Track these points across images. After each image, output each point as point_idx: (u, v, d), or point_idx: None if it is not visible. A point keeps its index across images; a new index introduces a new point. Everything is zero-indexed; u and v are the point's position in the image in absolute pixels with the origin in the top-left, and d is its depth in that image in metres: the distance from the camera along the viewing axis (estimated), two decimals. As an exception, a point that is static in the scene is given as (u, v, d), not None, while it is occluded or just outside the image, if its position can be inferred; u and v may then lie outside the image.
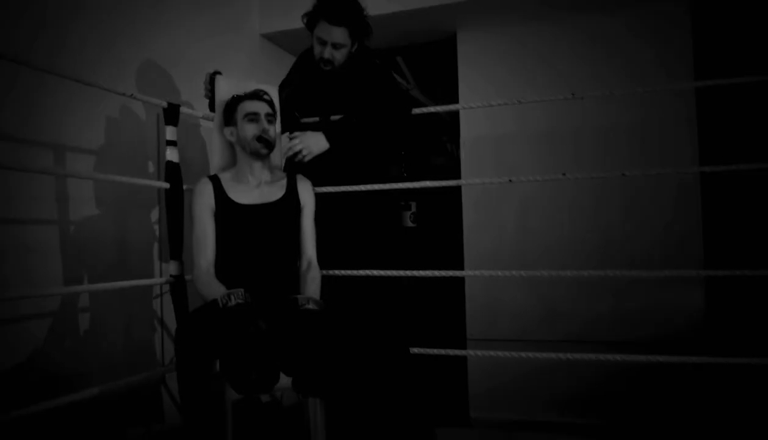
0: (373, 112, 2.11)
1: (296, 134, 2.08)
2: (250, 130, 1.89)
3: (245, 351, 1.52)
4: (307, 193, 1.97)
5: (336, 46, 2.07)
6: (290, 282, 1.88)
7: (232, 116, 1.94)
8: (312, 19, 2.08)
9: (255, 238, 1.85)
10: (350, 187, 2.11)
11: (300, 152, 2.05)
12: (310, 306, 1.68)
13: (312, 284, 1.84)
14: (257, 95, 1.94)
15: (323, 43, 2.08)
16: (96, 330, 2.18)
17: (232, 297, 1.59)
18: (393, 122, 2.14)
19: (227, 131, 1.96)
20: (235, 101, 1.95)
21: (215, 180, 1.90)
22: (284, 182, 1.96)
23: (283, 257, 1.90)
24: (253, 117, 1.90)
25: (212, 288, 1.70)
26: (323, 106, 2.19)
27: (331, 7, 2.04)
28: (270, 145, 1.90)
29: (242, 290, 1.62)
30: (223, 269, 1.81)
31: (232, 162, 2.05)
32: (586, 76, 2.92)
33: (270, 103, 1.95)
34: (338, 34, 2.05)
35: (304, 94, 2.25)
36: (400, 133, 2.18)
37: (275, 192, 1.92)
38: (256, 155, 1.90)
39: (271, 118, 1.93)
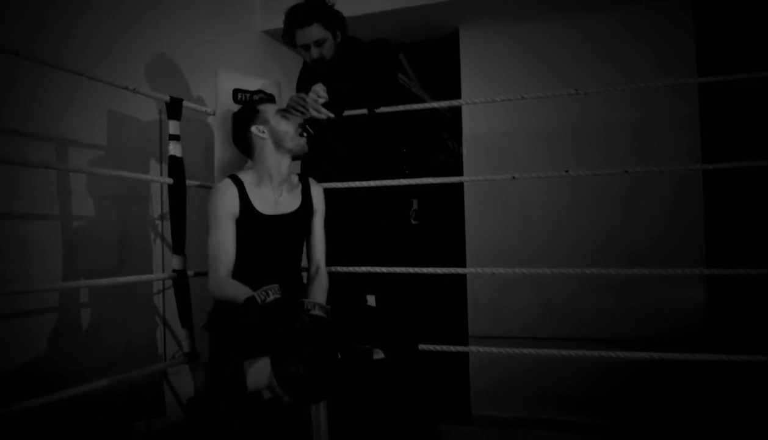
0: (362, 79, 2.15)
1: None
2: (287, 124, 1.89)
3: (293, 345, 1.53)
4: (319, 198, 1.98)
5: (318, 43, 2.15)
6: (299, 286, 1.91)
7: (256, 116, 1.89)
8: (288, 34, 2.19)
9: (272, 247, 1.85)
10: (351, 183, 2.12)
11: (312, 104, 2.02)
12: (316, 312, 1.67)
13: (319, 289, 1.85)
14: (274, 99, 1.97)
15: (307, 47, 2.17)
16: (98, 327, 2.18)
17: (270, 293, 1.59)
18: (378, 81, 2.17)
19: (255, 128, 1.87)
20: (253, 105, 1.93)
21: (239, 184, 1.83)
22: (300, 189, 1.95)
23: (294, 264, 1.94)
24: (285, 114, 1.92)
25: (238, 288, 1.67)
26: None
27: (296, 13, 2.14)
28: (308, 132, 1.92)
29: (277, 285, 1.62)
30: (236, 274, 1.78)
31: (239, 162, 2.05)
32: (588, 76, 2.92)
33: None
34: (313, 32, 2.13)
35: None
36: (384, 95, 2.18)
37: (293, 201, 1.91)
38: (292, 151, 1.90)
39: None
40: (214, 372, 1.64)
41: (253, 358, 1.58)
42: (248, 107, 1.95)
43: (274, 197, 1.87)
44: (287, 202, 1.90)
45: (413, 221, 4.09)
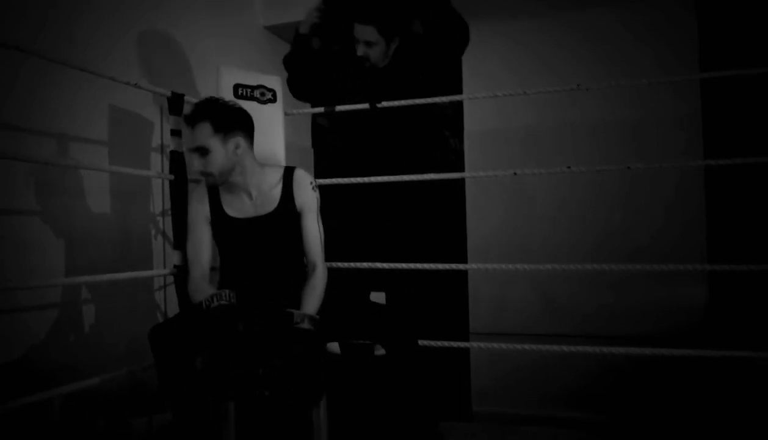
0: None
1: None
2: (193, 159, 1.73)
3: (220, 352, 1.53)
4: (304, 194, 1.80)
5: (367, 43, 2.09)
6: (292, 289, 1.76)
7: None
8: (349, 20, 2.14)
9: (251, 253, 1.78)
10: (355, 179, 2.12)
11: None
12: (305, 326, 1.59)
13: (312, 295, 1.71)
14: (187, 121, 1.75)
15: (357, 41, 2.11)
16: (99, 323, 2.18)
17: (215, 299, 1.58)
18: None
19: None
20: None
21: (212, 186, 1.79)
22: (280, 186, 1.80)
23: (282, 267, 1.80)
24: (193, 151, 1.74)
25: (203, 293, 1.66)
26: (372, 90, 2.18)
27: (357, 5, 2.07)
28: (209, 177, 1.74)
29: (228, 291, 1.60)
30: (224, 278, 1.78)
31: None
32: (588, 75, 2.92)
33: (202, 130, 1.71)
34: (367, 32, 2.07)
35: (351, 82, 2.24)
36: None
37: (270, 201, 1.79)
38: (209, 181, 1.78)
39: (203, 151, 1.70)
40: (160, 375, 1.61)
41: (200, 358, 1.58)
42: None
43: (249, 200, 1.79)
44: (263, 201, 1.79)
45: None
